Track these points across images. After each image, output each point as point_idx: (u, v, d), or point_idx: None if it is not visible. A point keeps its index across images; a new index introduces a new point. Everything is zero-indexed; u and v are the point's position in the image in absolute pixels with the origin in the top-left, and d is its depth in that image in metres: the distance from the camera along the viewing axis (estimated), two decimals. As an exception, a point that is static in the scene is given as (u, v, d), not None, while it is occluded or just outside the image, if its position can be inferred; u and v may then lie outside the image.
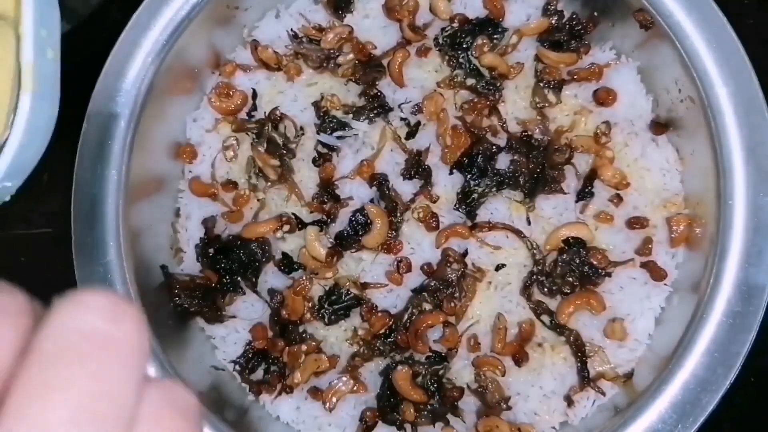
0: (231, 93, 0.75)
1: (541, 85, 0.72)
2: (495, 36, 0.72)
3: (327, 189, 0.72)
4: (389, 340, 0.70)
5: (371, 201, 0.71)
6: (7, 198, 0.53)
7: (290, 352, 0.71)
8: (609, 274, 0.69)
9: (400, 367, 0.68)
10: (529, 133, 0.71)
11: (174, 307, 0.71)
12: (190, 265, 0.74)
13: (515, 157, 0.71)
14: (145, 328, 0.24)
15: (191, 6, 0.69)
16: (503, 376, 0.68)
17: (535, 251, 0.69)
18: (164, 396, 0.24)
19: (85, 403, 0.21)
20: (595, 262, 0.68)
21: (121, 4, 0.76)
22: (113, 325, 0.23)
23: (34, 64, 0.49)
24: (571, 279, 0.69)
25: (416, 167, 0.71)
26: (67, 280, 0.66)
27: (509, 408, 0.68)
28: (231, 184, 0.74)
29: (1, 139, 0.50)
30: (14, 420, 0.21)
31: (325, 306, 0.70)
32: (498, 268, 0.70)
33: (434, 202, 0.71)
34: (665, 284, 0.69)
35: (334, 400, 0.69)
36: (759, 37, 0.76)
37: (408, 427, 0.69)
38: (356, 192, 0.72)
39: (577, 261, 0.68)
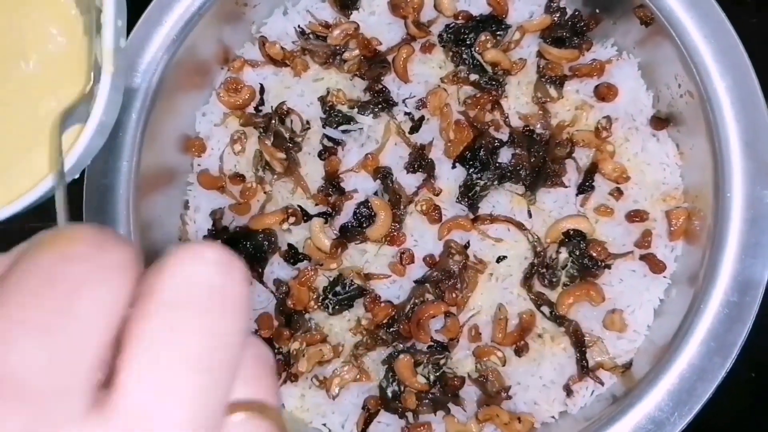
0: (239, 88, 0.76)
1: (543, 80, 0.73)
2: (498, 33, 0.74)
3: (332, 182, 0.74)
4: (392, 330, 0.71)
5: (375, 194, 0.73)
6: (77, 176, 0.56)
7: (295, 342, 0.72)
8: (608, 267, 0.70)
9: (402, 356, 0.69)
10: (531, 127, 0.72)
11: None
12: (198, 256, 0.76)
13: (517, 151, 0.72)
14: (249, 282, 0.25)
15: (201, 2, 0.70)
16: (504, 365, 0.69)
17: (535, 243, 0.71)
18: (257, 351, 0.25)
19: (204, 354, 0.22)
20: (595, 255, 0.69)
21: (134, 1, 0.78)
22: (227, 278, 0.23)
23: (113, 50, 0.52)
24: (571, 271, 0.70)
25: (420, 161, 0.72)
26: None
27: (509, 397, 0.70)
28: (239, 177, 0.76)
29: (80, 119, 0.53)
30: (138, 366, 0.21)
31: (330, 296, 0.72)
32: (499, 259, 0.71)
33: (437, 195, 0.72)
34: (664, 276, 0.70)
35: (338, 388, 0.71)
36: (760, 36, 0.77)
37: (409, 415, 0.70)
38: (361, 185, 0.74)
39: (578, 253, 0.69)
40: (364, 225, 0.72)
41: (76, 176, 0.56)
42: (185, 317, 0.22)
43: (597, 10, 0.74)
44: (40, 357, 0.20)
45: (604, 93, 0.72)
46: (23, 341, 0.21)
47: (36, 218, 0.82)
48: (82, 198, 0.69)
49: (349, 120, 0.74)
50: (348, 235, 0.72)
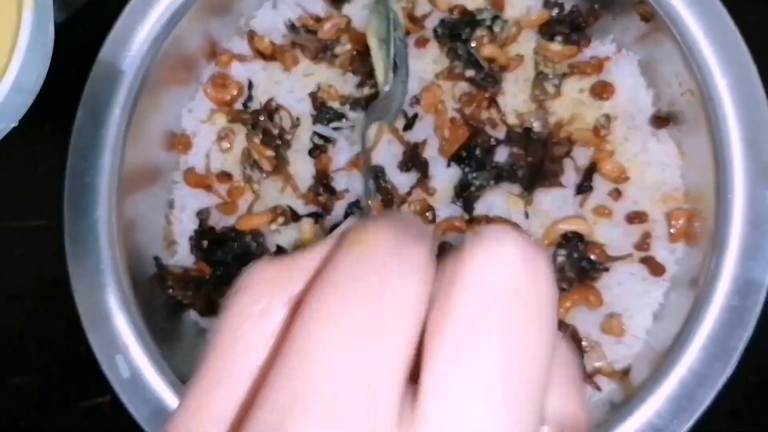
0: (227, 83, 0.74)
1: (541, 77, 0.71)
2: (495, 28, 0.72)
3: (323, 181, 0.71)
4: (384, 333, 0.69)
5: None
6: (13, 125, 0.53)
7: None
8: (607, 269, 0.68)
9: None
10: (528, 126, 0.71)
11: (167, 299, 0.71)
12: (183, 257, 0.74)
13: (514, 150, 0.70)
14: (554, 279, 0.22)
15: (187, -6, 0.68)
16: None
17: (532, 245, 0.69)
18: (564, 358, 0.22)
19: (507, 377, 0.19)
20: (593, 257, 0.68)
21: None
22: (535, 281, 0.20)
23: None
24: (569, 274, 0.68)
25: (413, 159, 0.70)
26: (61, 272, 0.66)
27: (505, 403, 0.68)
28: (226, 176, 0.74)
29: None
30: (436, 389, 0.19)
31: (320, 299, 0.70)
32: (495, 262, 0.69)
33: (431, 195, 0.70)
34: (664, 280, 0.69)
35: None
36: (763, 33, 0.76)
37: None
38: (352, 184, 0.72)
39: (575, 255, 0.68)
40: (356, 225, 0.70)
41: None
42: (485, 336, 0.19)
43: (596, 6, 0.72)
44: (350, 370, 0.19)
45: (600, 91, 0.71)
46: (331, 353, 0.19)
47: (35, 217, 0.81)
48: (62, 196, 0.66)
49: (341, 117, 0.72)
50: (339, 236, 0.70)
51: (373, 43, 0.51)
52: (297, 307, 0.21)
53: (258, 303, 0.22)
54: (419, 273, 0.20)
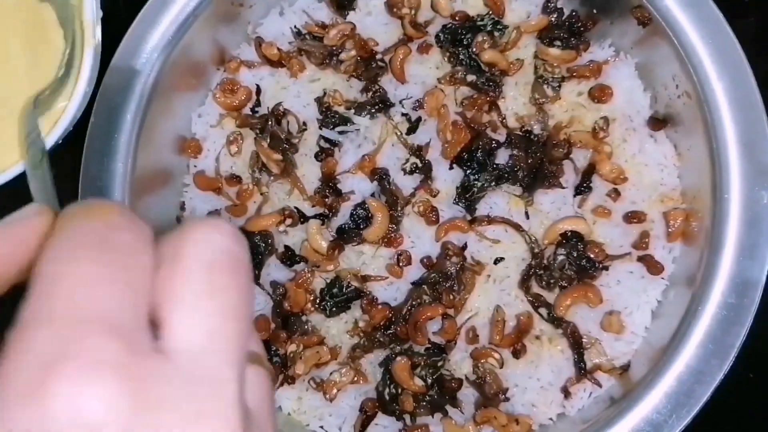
0: (235, 89, 0.76)
1: (541, 81, 0.73)
2: (495, 33, 0.74)
3: (329, 183, 0.73)
4: (389, 332, 0.71)
5: (372, 195, 0.72)
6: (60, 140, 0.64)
7: (292, 344, 0.72)
8: (606, 268, 0.70)
9: (399, 359, 0.69)
10: (528, 128, 0.72)
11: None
12: (194, 257, 0.75)
13: (514, 152, 0.72)
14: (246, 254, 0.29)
15: (197, 3, 0.70)
16: (501, 367, 0.69)
17: (533, 245, 0.70)
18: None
19: (238, 305, 0.27)
20: (592, 256, 0.69)
21: (129, 2, 0.78)
22: (242, 247, 0.28)
23: (93, 21, 0.62)
24: (569, 272, 0.70)
25: (417, 162, 0.72)
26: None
27: (507, 399, 0.69)
28: (235, 179, 0.75)
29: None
30: (185, 314, 0.26)
31: (327, 298, 0.72)
32: (497, 261, 0.71)
33: (434, 196, 0.72)
34: (662, 278, 0.70)
35: (335, 390, 0.70)
36: (758, 37, 0.77)
37: (407, 417, 0.70)
38: (357, 186, 0.73)
39: (575, 254, 0.69)
40: (361, 226, 0.71)
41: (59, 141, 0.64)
42: (221, 275, 0.27)
43: (594, 11, 0.73)
44: (117, 301, 0.25)
45: (598, 94, 0.72)
46: (102, 288, 0.25)
47: None
48: (77, 199, 0.68)
49: (346, 121, 0.74)
50: (345, 236, 0.72)
51: None
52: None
53: None
54: (149, 242, 0.27)
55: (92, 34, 0.62)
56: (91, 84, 0.63)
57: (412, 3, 0.74)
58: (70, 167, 0.70)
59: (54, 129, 0.63)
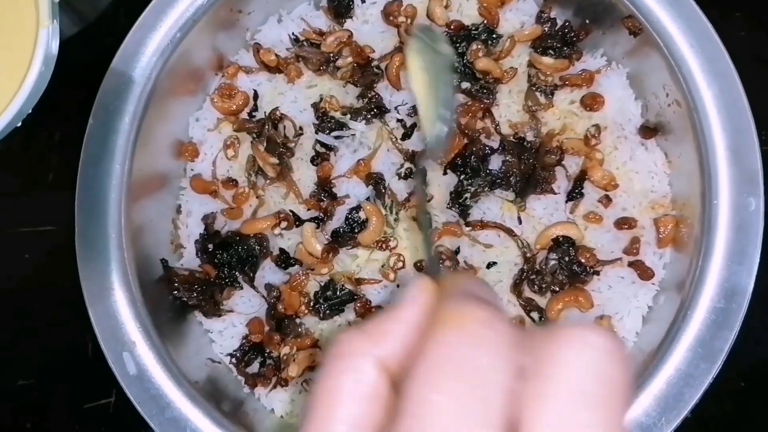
0: (233, 94, 0.77)
1: (534, 89, 0.74)
2: (490, 42, 0.75)
3: (324, 187, 0.74)
4: (382, 335, 0.71)
5: (367, 199, 0.73)
6: (19, 124, 0.61)
7: (285, 346, 0.72)
8: (597, 273, 0.70)
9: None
10: (522, 135, 0.73)
11: (173, 300, 0.73)
12: (189, 260, 0.76)
13: (507, 159, 0.73)
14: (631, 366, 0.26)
15: (196, 9, 0.71)
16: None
17: (525, 249, 0.71)
18: None
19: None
20: (584, 261, 0.70)
21: (128, 8, 0.79)
22: (618, 367, 0.25)
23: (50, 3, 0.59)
24: (560, 277, 0.70)
25: (411, 167, 0.73)
26: (71, 277, 0.68)
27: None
28: (231, 182, 0.76)
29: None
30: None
31: (321, 301, 0.72)
32: (489, 265, 0.72)
33: (428, 201, 0.73)
34: (652, 283, 0.71)
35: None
36: (747, 48, 0.78)
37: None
38: (353, 190, 0.74)
39: (567, 259, 0.70)
40: (356, 230, 0.72)
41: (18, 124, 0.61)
42: (587, 409, 0.24)
43: (587, 21, 0.75)
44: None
45: (590, 103, 0.73)
46: (442, 418, 0.23)
47: (30, 223, 0.83)
48: (71, 203, 0.69)
49: (342, 126, 0.75)
50: (339, 240, 0.72)
51: (418, 83, 0.54)
52: (385, 368, 0.26)
53: (349, 362, 0.26)
54: (507, 351, 0.25)
55: (48, 15, 0.60)
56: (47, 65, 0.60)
57: (408, 12, 0.75)
58: (68, 173, 0.71)
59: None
